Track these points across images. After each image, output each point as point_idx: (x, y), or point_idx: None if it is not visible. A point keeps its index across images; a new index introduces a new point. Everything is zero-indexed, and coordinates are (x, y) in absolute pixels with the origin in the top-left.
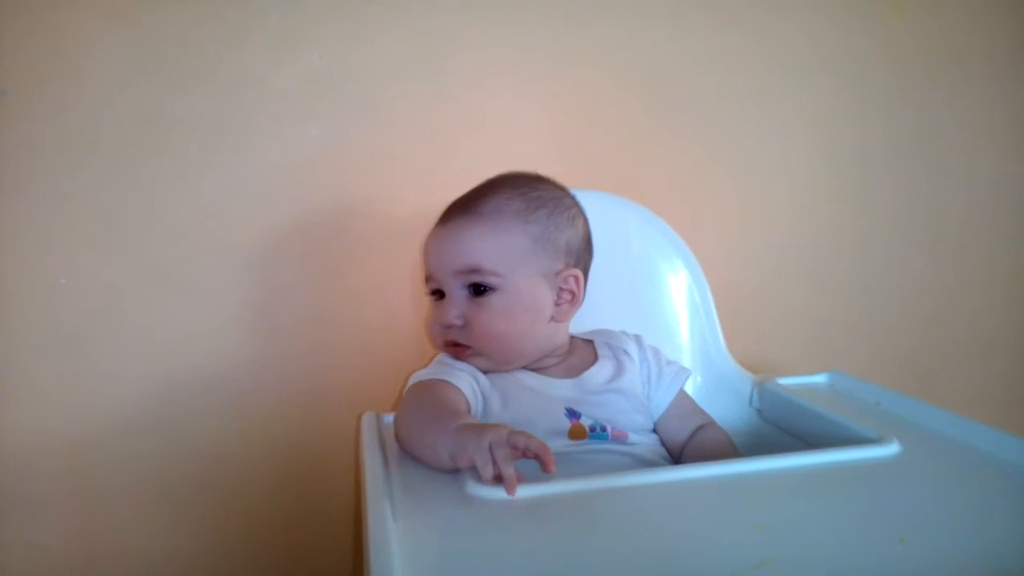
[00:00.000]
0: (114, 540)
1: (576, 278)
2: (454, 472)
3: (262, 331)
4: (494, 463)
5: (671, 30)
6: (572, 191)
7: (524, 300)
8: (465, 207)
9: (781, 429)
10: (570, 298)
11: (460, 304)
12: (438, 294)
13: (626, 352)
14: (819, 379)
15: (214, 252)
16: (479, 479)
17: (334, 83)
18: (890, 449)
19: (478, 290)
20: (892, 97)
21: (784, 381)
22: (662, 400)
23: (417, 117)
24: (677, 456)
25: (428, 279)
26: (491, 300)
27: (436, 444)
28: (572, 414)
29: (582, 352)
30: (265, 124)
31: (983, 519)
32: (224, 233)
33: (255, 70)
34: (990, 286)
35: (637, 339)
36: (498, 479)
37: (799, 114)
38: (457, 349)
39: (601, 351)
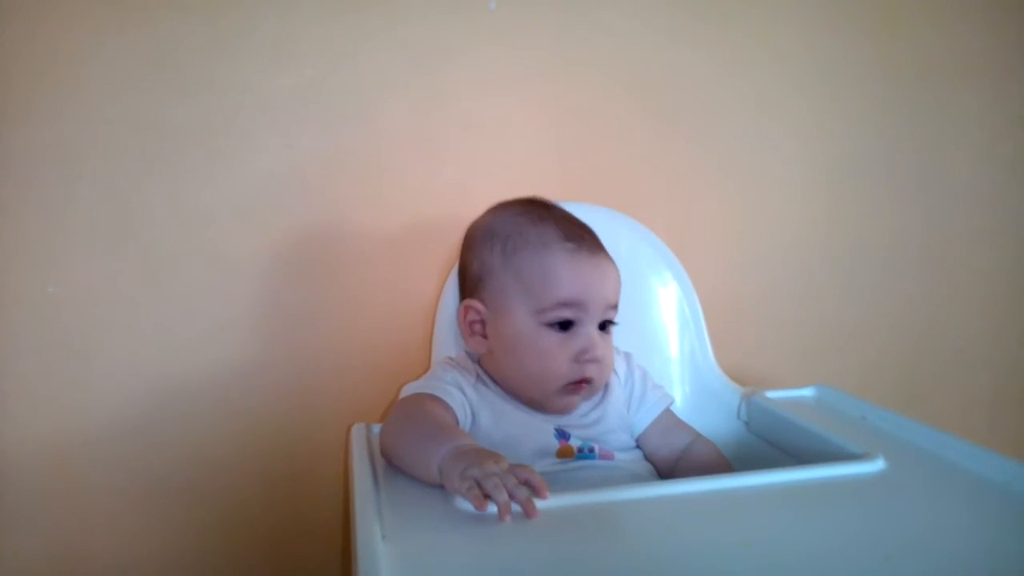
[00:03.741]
0: (98, 544)
1: None
2: (444, 487)
3: (253, 338)
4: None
5: (666, 40)
6: (561, 203)
7: None
8: (596, 242)
9: (768, 442)
10: None
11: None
12: (564, 326)
13: (614, 371)
14: (806, 392)
15: (205, 260)
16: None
17: (326, 92)
18: (875, 465)
19: (603, 326)
20: (889, 110)
21: (772, 394)
22: (642, 420)
23: (409, 126)
24: (665, 471)
25: (566, 306)
26: (609, 337)
27: (427, 463)
28: (561, 435)
29: None
30: (257, 133)
31: (967, 537)
32: (215, 241)
33: (248, 79)
34: (982, 302)
35: (627, 357)
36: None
37: (794, 126)
38: (578, 386)
39: None
